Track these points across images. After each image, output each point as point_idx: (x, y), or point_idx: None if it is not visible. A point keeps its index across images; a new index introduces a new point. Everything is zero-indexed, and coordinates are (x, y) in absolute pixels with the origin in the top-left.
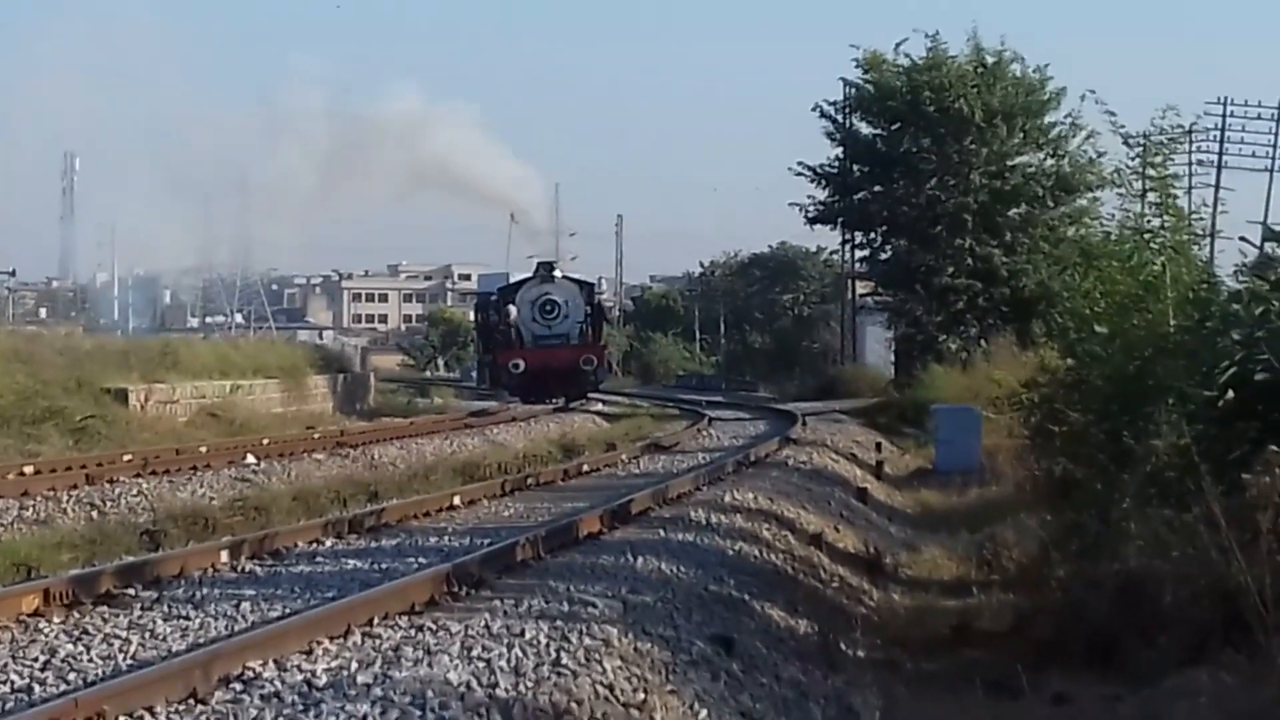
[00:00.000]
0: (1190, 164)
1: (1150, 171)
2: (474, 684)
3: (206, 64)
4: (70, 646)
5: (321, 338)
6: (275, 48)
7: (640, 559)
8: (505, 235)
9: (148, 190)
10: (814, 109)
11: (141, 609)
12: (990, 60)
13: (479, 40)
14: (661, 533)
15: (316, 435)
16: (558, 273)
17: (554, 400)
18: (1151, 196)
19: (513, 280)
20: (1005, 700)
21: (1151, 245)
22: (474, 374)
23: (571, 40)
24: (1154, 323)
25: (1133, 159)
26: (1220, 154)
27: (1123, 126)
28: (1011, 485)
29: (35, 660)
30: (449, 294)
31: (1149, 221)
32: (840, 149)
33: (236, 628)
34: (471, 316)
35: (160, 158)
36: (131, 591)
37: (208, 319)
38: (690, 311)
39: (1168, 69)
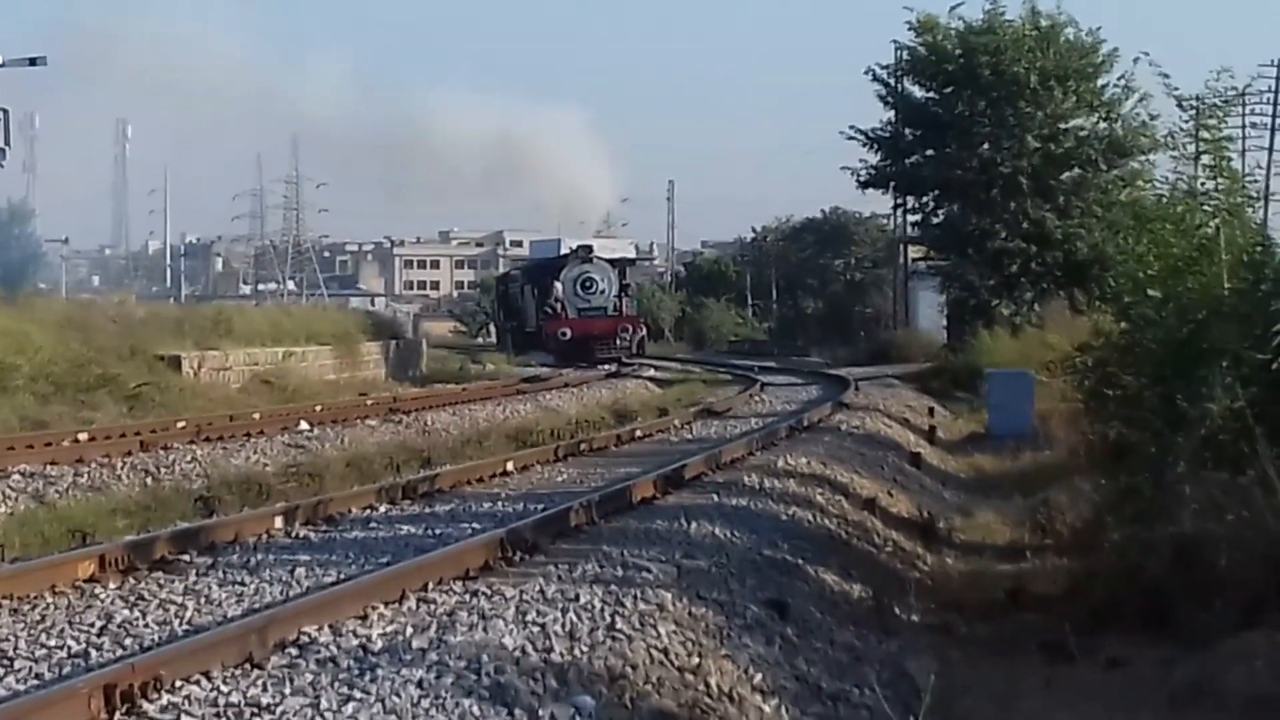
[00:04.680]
0: (1244, 126)
1: (1204, 134)
2: (529, 649)
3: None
4: (126, 612)
5: (374, 304)
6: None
7: (694, 524)
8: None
9: (201, 158)
10: (866, 72)
11: (197, 574)
12: (1044, 23)
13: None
14: (715, 497)
15: (369, 401)
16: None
17: (604, 365)
18: (1205, 159)
19: (561, 252)
20: (1059, 664)
21: (1205, 208)
22: (494, 338)
23: (623, 8)
24: (1208, 286)
25: (1186, 122)
26: (1275, 116)
27: (1176, 89)
28: (1065, 449)
29: (91, 625)
30: (501, 260)
31: (1203, 184)
32: (892, 112)
33: (291, 593)
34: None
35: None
36: (186, 557)
37: (260, 286)
38: (742, 277)
39: (1222, 30)
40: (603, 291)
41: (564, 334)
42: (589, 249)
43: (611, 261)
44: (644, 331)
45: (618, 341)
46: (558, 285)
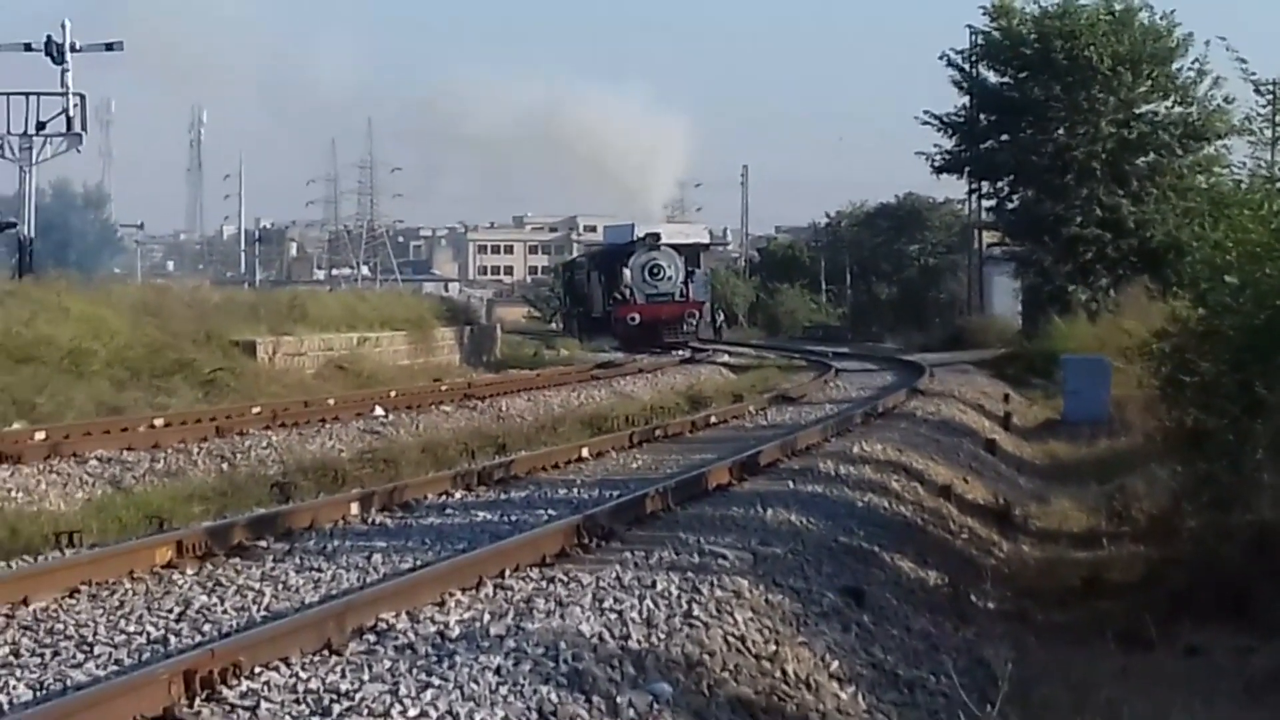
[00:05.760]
0: None
1: None
2: (606, 635)
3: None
4: (204, 598)
5: (447, 290)
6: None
7: (770, 510)
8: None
9: (275, 144)
10: (940, 57)
11: (274, 560)
12: (1119, 7)
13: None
14: (790, 484)
15: (444, 387)
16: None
17: (677, 350)
18: None
19: (634, 236)
20: (1137, 651)
21: None
22: (560, 324)
23: None
24: None
25: (1263, 106)
26: None
27: (1253, 74)
28: (1141, 436)
29: (170, 611)
30: (574, 245)
31: None
32: (967, 97)
33: (368, 579)
34: (560, 274)
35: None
36: (263, 543)
37: (334, 271)
38: (816, 262)
39: None
40: (669, 278)
41: (633, 319)
42: (657, 236)
43: (677, 247)
44: (721, 317)
45: (684, 326)
46: (626, 272)
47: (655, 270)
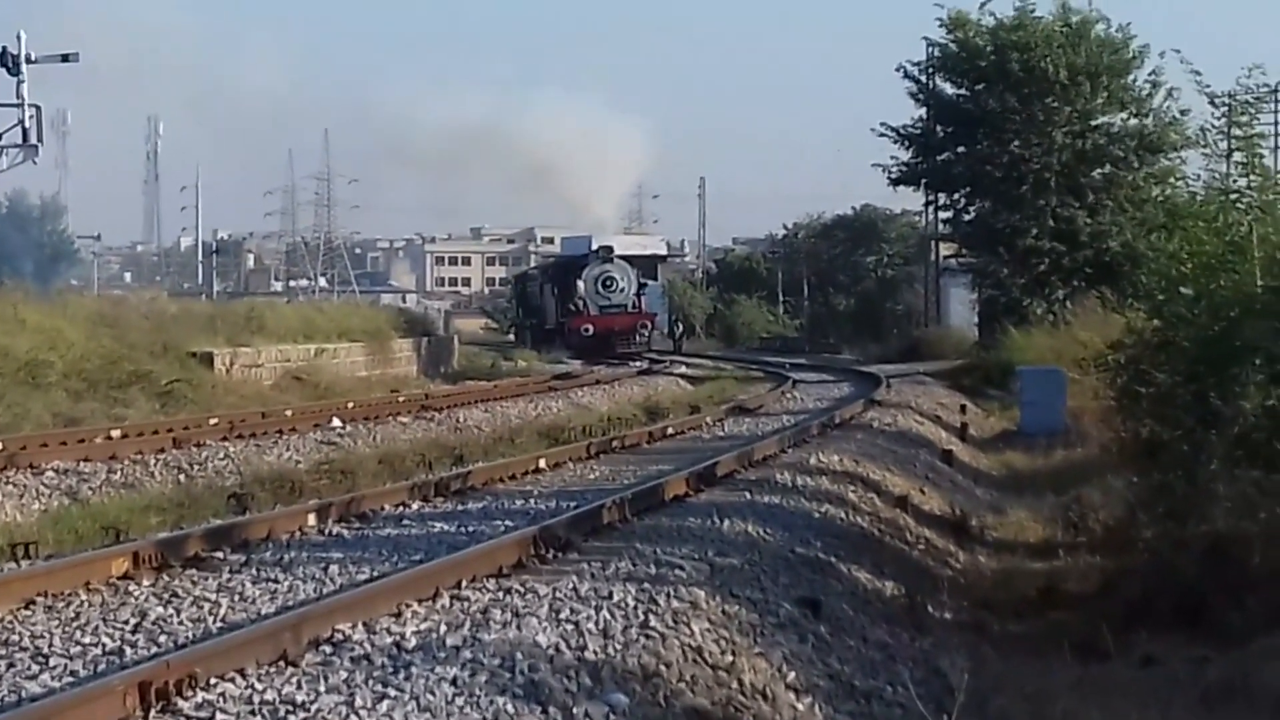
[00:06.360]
0: (1277, 123)
1: (1236, 131)
2: (562, 646)
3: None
4: (160, 609)
5: (405, 301)
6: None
7: (727, 521)
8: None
9: (230, 156)
10: (897, 69)
11: (230, 572)
12: (1075, 19)
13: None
14: (747, 495)
15: (401, 398)
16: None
17: (633, 362)
18: (1237, 156)
19: (591, 247)
20: (1093, 662)
21: (1238, 205)
22: (513, 335)
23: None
24: (1241, 283)
25: (1218, 119)
26: None
27: (1208, 86)
28: (1097, 447)
29: (126, 622)
30: (532, 256)
31: (1235, 181)
32: (924, 109)
33: (325, 590)
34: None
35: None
36: (220, 554)
37: (291, 282)
38: (773, 274)
39: (1254, 27)
40: (622, 289)
41: (586, 330)
42: (610, 249)
43: (635, 259)
44: (680, 328)
45: (636, 337)
46: (580, 284)
47: (608, 282)
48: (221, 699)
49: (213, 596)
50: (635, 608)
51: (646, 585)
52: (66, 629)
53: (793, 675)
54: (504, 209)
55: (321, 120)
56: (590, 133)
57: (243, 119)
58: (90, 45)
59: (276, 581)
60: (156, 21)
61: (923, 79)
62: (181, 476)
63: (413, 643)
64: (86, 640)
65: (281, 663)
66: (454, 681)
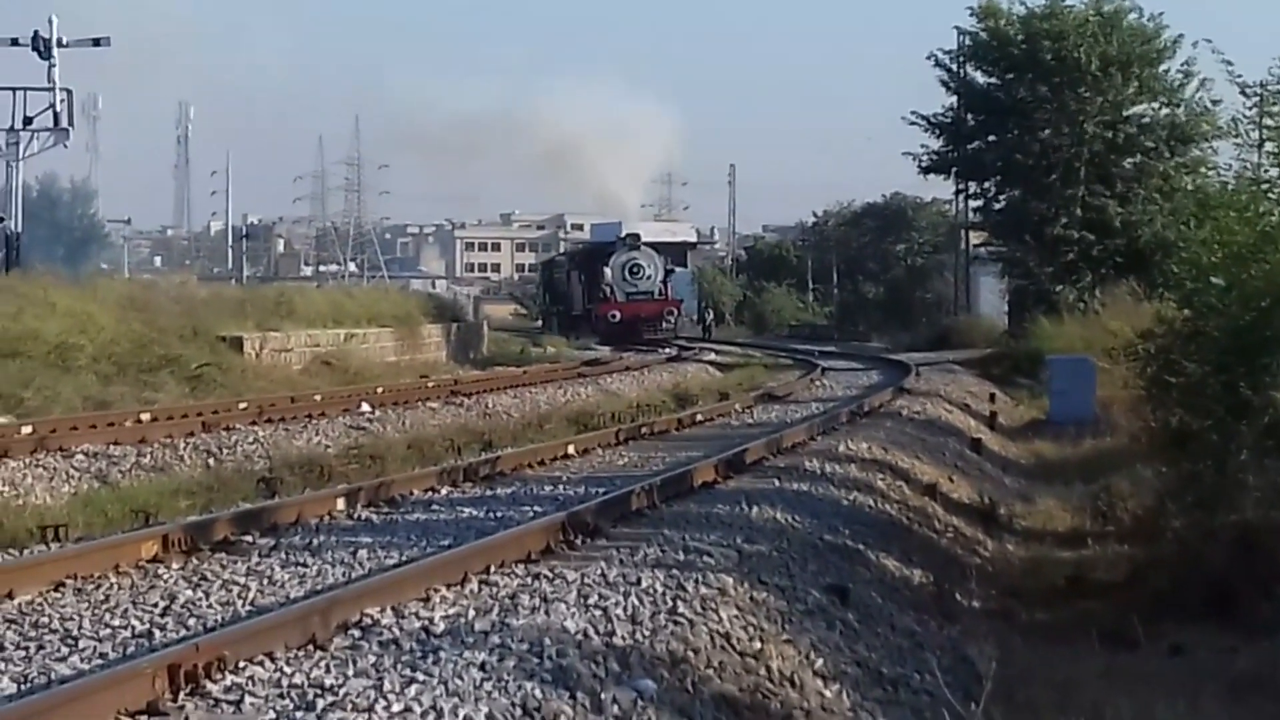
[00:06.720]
0: None
1: (1268, 121)
2: (591, 632)
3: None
4: (189, 592)
5: (434, 287)
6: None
7: (755, 508)
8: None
9: (262, 140)
10: (928, 58)
11: (259, 555)
12: (1107, 9)
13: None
14: (776, 482)
15: (430, 384)
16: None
17: (662, 349)
18: (1269, 146)
19: (621, 234)
20: (1121, 651)
21: (1269, 195)
22: (541, 321)
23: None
24: (1272, 273)
25: (1249, 109)
26: None
27: (1239, 76)
28: (1126, 437)
29: (155, 605)
30: (561, 243)
31: (1266, 171)
32: (954, 98)
33: (354, 574)
34: (540, 274)
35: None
36: (249, 538)
37: (321, 267)
38: (803, 261)
39: None
40: (649, 276)
41: (614, 316)
42: (637, 236)
43: (664, 246)
44: (710, 315)
45: (663, 324)
46: (607, 270)
47: (635, 269)
48: (250, 682)
49: (242, 580)
50: (664, 594)
51: (675, 571)
52: (96, 611)
53: (820, 662)
54: (534, 195)
55: (335, 108)
56: (611, 120)
57: (257, 105)
58: (117, 31)
59: (305, 565)
60: (166, 9)
61: (954, 68)
62: (211, 460)
63: (441, 627)
64: (116, 623)
65: (310, 646)
66: (482, 666)
